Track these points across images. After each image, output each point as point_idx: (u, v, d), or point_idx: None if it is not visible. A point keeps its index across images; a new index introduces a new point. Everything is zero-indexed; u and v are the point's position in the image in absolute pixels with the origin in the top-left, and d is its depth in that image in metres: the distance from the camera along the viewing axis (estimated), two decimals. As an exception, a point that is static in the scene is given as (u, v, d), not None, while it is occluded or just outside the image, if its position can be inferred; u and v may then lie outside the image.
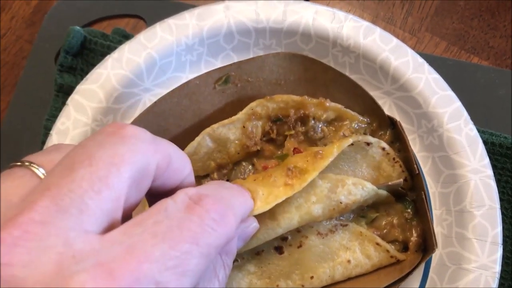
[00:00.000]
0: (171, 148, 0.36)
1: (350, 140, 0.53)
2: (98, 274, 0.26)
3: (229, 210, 0.35)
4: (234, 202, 0.38)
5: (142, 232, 0.29)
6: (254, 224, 0.44)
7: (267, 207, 0.45)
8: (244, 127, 0.55)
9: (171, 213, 0.31)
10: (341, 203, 0.53)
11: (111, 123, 0.35)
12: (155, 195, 0.36)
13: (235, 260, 0.54)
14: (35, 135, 0.67)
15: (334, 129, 0.57)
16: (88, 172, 0.29)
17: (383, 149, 0.56)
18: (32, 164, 0.33)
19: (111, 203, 0.30)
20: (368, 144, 0.55)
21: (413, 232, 0.56)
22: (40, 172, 0.33)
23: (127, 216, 0.33)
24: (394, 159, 0.56)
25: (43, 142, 0.60)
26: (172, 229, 0.30)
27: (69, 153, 0.32)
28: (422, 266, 0.57)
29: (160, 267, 0.28)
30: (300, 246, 0.54)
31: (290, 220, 0.51)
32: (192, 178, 0.40)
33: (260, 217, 0.46)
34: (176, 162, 0.37)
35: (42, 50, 0.72)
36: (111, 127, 0.34)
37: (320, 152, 0.51)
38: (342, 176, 0.53)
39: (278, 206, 0.48)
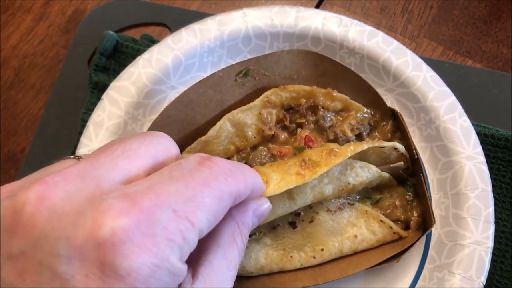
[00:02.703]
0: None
1: (365, 146, 0.57)
2: (122, 200, 0.32)
3: (239, 171, 0.40)
4: (245, 170, 0.42)
5: (159, 177, 0.35)
6: (267, 204, 0.47)
7: (278, 191, 0.50)
8: (260, 113, 0.62)
9: (184, 166, 0.37)
10: (349, 184, 0.59)
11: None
12: None
13: (253, 234, 0.60)
14: (70, 129, 0.74)
15: (341, 118, 0.63)
16: (122, 146, 0.37)
17: (395, 149, 0.61)
18: (77, 156, 0.41)
19: (137, 168, 0.36)
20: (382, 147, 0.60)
21: (414, 212, 0.62)
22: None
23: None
24: (402, 154, 0.61)
25: (80, 133, 0.67)
26: (185, 174, 0.36)
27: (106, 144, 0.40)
28: (423, 241, 0.63)
29: (177, 199, 0.33)
30: (311, 221, 0.59)
31: (305, 199, 0.57)
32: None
33: (279, 196, 0.52)
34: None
35: (76, 54, 0.79)
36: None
37: (335, 150, 0.55)
38: (351, 159, 0.59)
39: (296, 186, 0.52)
